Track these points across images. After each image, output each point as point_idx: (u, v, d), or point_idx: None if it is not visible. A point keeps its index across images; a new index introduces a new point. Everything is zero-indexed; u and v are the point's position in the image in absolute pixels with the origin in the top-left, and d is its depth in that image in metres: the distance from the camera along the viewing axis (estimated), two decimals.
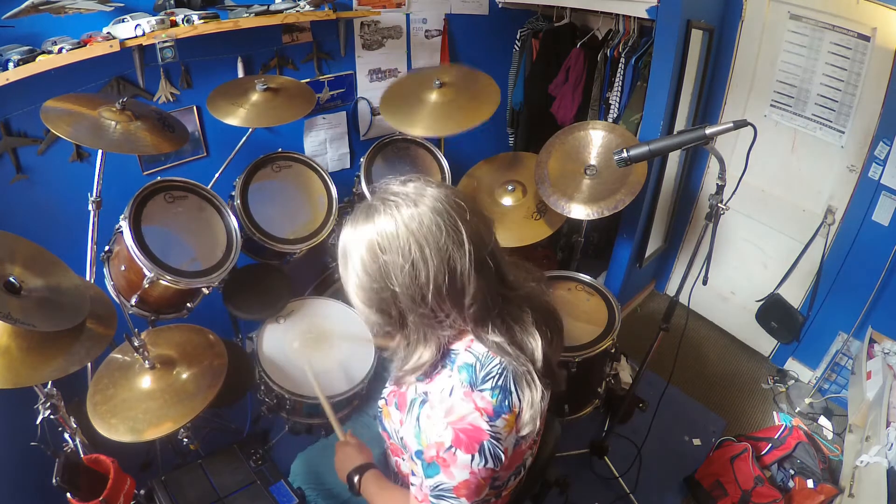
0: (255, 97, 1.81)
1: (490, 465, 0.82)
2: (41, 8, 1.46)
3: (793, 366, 2.55)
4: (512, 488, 1.10)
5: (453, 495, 0.84)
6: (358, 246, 0.81)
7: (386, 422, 1.05)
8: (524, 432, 0.86)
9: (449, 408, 0.83)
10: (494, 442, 0.82)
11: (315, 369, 1.60)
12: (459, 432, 0.81)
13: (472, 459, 0.81)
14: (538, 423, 0.87)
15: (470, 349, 0.87)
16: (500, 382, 0.83)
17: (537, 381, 0.86)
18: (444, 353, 0.88)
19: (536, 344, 0.87)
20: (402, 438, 0.97)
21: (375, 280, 0.80)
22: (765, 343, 2.66)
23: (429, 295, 0.79)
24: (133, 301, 1.56)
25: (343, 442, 1.21)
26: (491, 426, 0.81)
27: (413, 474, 0.90)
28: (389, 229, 0.78)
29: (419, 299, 0.79)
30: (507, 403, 0.83)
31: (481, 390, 0.83)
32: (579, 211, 1.96)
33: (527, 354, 0.86)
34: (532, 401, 0.85)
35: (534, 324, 0.88)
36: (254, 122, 1.80)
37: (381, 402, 1.09)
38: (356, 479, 1.10)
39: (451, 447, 0.81)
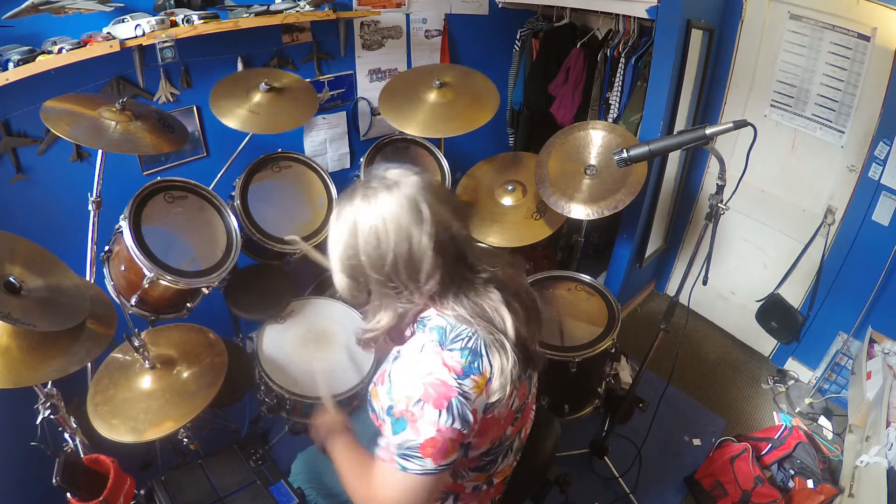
0: (257, 97, 1.82)
1: (457, 425, 0.85)
2: (41, 8, 1.46)
3: (793, 366, 2.55)
4: (504, 474, 1.11)
5: (419, 454, 0.86)
6: (340, 220, 0.90)
7: (374, 403, 1.05)
8: (493, 398, 0.88)
9: (419, 363, 0.88)
10: (463, 400, 0.85)
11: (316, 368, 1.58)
12: (429, 387, 0.85)
13: (440, 416, 0.84)
14: (508, 390, 0.89)
15: (441, 314, 0.92)
16: (469, 345, 0.88)
17: (509, 350, 0.89)
18: (414, 320, 0.95)
19: (507, 320, 0.91)
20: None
21: (349, 248, 0.89)
22: (765, 343, 2.65)
23: (387, 265, 0.86)
24: (133, 301, 1.56)
25: (325, 412, 1.23)
26: (459, 384, 0.85)
27: (381, 435, 0.92)
28: (364, 206, 0.87)
29: (379, 268, 0.87)
30: (476, 365, 0.87)
31: (451, 350, 0.87)
32: (579, 211, 1.96)
33: (496, 326, 0.90)
34: (502, 367, 0.88)
35: (503, 302, 0.92)
36: (255, 128, 1.81)
37: (371, 388, 1.10)
38: (330, 445, 1.14)
39: (419, 401, 0.85)
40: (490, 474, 1.06)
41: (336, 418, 1.19)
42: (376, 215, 0.85)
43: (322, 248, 1.90)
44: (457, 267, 0.91)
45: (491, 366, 0.88)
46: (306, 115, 1.93)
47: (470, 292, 0.92)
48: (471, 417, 0.86)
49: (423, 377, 0.85)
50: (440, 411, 0.84)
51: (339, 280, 0.95)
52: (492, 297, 0.92)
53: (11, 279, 1.09)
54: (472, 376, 0.86)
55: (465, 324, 0.89)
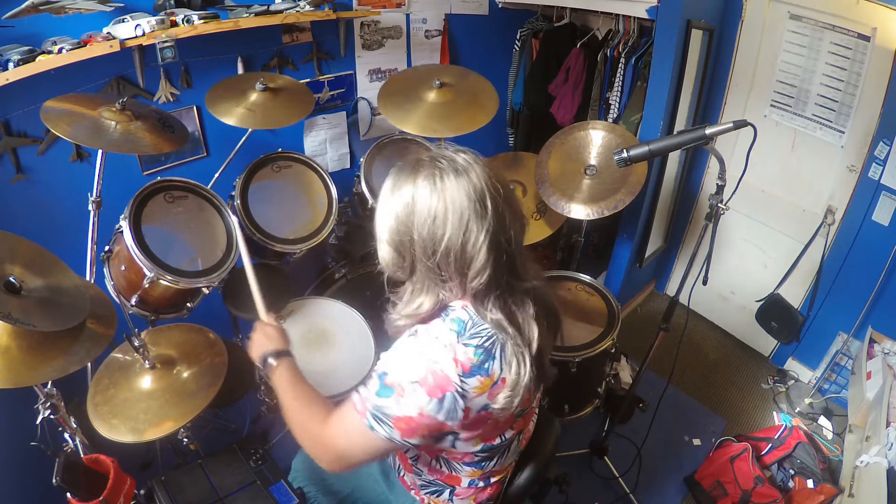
0: (254, 97, 1.82)
1: (441, 416, 0.85)
2: (41, 8, 1.45)
3: (793, 366, 2.55)
4: (502, 474, 1.11)
5: (390, 424, 0.87)
6: (397, 192, 0.87)
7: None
8: (497, 405, 0.88)
9: (431, 349, 0.86)
10: (458, 397, 0.85)
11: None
12: (430, 373, 0.84)
13: (429, 403, 0.84)
14: (515, 405, 0.89)
15: (465, 308, 0.90)
16: (485, 344, 0.87)
17: (528, 364, 0.88)
18: (441, 308, 0.93)
19: (534, 334, 0.91)
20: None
21: (402, 223, 0.86)
22: (765, 343, 2.66)
23: (438, 252, 0.84)
24: (133, 301, 1.56)
25: (265, 322, 1.19)
26: (461, 381, 0.84)
27: (364, 386, 0.92)
28: (428, 186, 0.84)
29: (430, 253, 0.85)
30: (486, 366, 0.86)
31: (465, 345, 0.86)
32: (579, 211, 1.96)
33: (524, 338, 0.89)
34: (517, 379, 0.87)
35: (534, 316, 0.92)
36: (252, 124, 1.80)
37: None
38: (273, 361, 1.09)
39: (416, 382, 0.85)
40: (486, 472, 1.06)
41: (279, 332, 1.16)
42: (439, 197, 0.83)
43: (324, 244, 1.94)
44: (504, 271, 0.88)
45: (501, 370, 0.87)
46: (303, 111, 1.92)
47: (509, 299, 0.90)
48: (461, 414, 0.86)
49: (429, 363, 0.85)
50: (431, 399, 0.84)
51: (385, 252, 0.92)
52: (527, 310, 0.92)
53: (11, 279, 1.09)
54: (478, 376, 0.85)
55: (498, 329, 0.88)
